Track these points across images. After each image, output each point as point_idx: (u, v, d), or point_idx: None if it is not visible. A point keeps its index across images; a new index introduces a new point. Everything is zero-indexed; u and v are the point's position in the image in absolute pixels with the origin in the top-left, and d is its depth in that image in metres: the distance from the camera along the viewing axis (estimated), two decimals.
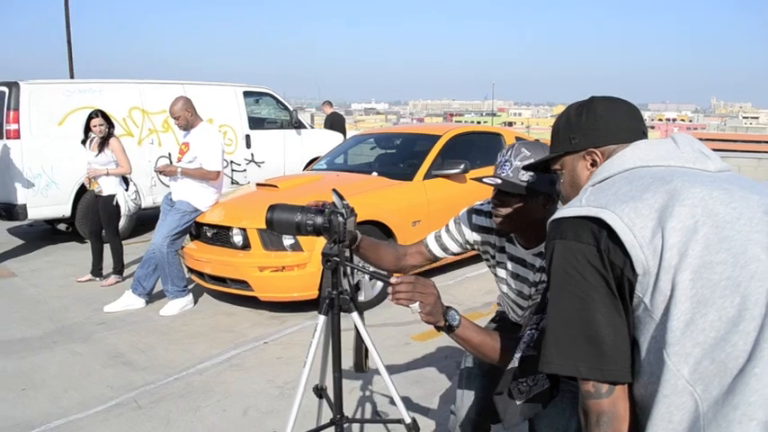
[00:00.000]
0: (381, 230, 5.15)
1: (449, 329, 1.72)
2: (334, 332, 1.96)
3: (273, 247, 4.73)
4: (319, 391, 2.24)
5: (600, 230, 1.15)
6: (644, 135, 1.37)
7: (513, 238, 2.03)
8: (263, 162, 9.06)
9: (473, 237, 2.12)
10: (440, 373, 3.93)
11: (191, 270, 5.26)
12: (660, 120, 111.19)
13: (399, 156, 6.48)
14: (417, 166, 5.73)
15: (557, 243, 1.21)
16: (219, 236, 5.02)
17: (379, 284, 5.19)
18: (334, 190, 1.91)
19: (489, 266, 2.19)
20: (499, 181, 1.82)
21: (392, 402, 2.32)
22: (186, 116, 4.97)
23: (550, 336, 1.21)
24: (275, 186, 5.47)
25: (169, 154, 7.95)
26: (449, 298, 5.43)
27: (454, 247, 2.16)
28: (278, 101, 9.55)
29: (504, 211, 1.88)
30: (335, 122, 11.40)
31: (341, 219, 1.81)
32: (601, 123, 1.36)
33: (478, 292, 5.57)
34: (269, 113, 9.64)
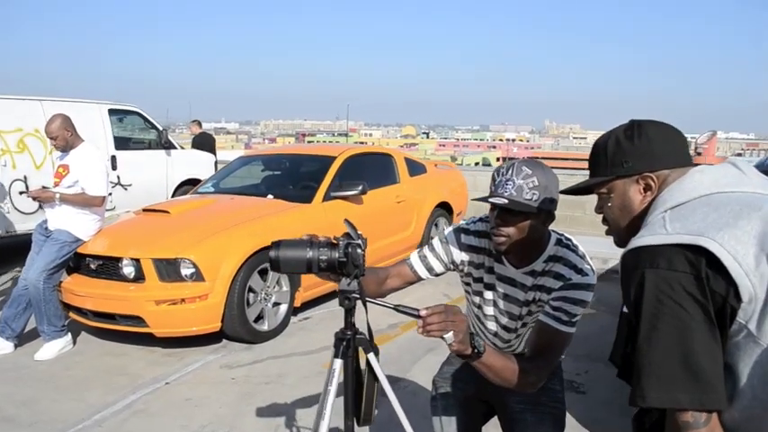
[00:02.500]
0: None
1: (477, 356, 1.63)
2: (347, 377, 1.77)
3: (171, 278, 4.35)
4: None
5: (697, 258, 1.15)
6: (691, 159, 1.38)
7: (503, 258, 1.98)
8: (129, 185, 8.39)
9: (461, 257, 2.04)
10: None
11: (68, 307, 4.69)
12: (501, 140, 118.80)
13: (292, 178, 6.27)
14: (315, 189, 5.56)
15: (647, 272, 1.18)
16: (106, 267, 4.54)
17: (282, 313, 4.96)
18: (347, 220, 1.74)
19: (469, 290, 2.12)
20: (506, 201, 1.76)
21: None
22: (65, 135, 4.47)
23: (645, 368, 1.18)
24: (166, 212, 5.06)
25: (24, 177, 7.13)
26: None
27: (439, 268, 2.08)
28: (145, 119, 8.94)
29: (507, 230, 1.83)
30: (205, 143, 10.87)
31: (359, 251, 1.64)
32: (655, 147, 1.36)
33: (381, 314, 5.45)
34: (136, 133, 9.00)
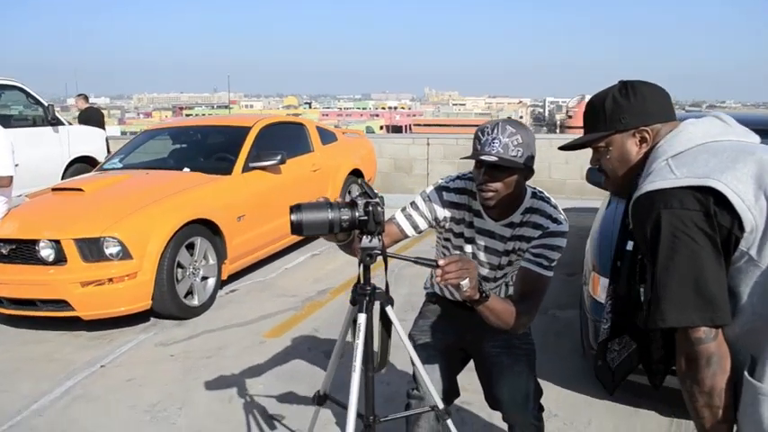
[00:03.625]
0: (209, 228, 4.83)
1: (485, 300, 1.76)
2: (368, 331, 1.81)
3: (95, 258, 4.15)
4: (323, 398, 2.07)
5: (706, 197, 1.32)
6: (675, 114, 1.57)
7: (482, 212, 2.10)
8: (16, 165, 7.80)
9: (444, 213, 2.14)
10: (311, 364, 3.86)
11: None
12: (383, 108, 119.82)
13: (206, 150, 6.08)
14: (233, 160, 5.45)
15: (663, 212, 1.34)
16: (20, 251, 4.26)
17: (211, 287, 4.89)
18: (363, 180, 1.77)
19: (448, 245, 2.22)
20: (496, 158, 1.87)
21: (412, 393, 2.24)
22: None
23: (664, 294, 1.35)
24: (80, 190, 4.80)
25: None
26: (279, 291, 5.33)
27: (423, 225, 2.16)
28: (28, 95, 8.30)
29: (495, 185, 1.95)
30: (92, 117, 10.26)
31: (380, 208, 1.68)
32: (649, 104, 1.52)
33: (306, 282, 5.53)
34: (18, 110, 8.35)
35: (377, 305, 1.86)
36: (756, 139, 1.48)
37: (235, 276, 5.43)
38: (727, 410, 1.37)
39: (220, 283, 5.07)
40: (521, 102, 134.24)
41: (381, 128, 66.76)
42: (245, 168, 5.46)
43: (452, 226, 2.17)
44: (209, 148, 6.11)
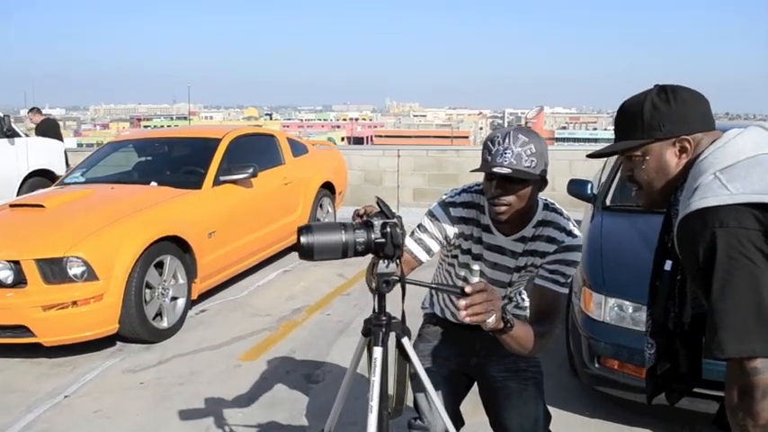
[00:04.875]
0: (179, 246, 4.60)
1: (509, 329, 1.63)
2: (384, 365, 1.63)
3: (58, 280, 3.88)
4: None
5: (765, 215, 1.21)
6: (714, 122, 1.44)
7: (491, 227, 1.97)
8: None
9: (453, 231, 2.00)
10: (292, 389, 3.66)
11: None
12: (344, 119, 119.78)
13: (174, 163, 5.82)
14: (203, 173, 5.23)
15: (718, 231, 1.22)
16: None
17: (180, 307, 4.64)
18: (379, 198, 1.59)
19: (454, 263, 2.08)
20: (509, 170, 1.74)
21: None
22: None
23: (722, 321, 1.22)
24: (40, 206, 4.51)
25: None
26: (251, 310, 5.12)
27: (435, 247, 2.01)
28: None
29: (507, 199, 1.82)
30: (49, 130, 9.87)
31: (399, 230, 1.51)
32: (690, 111, 1.39)
33: (280, 300, 5.33)
34: None
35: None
36: None
37: (204, 295, 5.20)
38: None
39: (190, 304, 4.84)
40: (481, 113, 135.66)
41: (343, 139, 66.71)
42: (216, 182, 5.24)
43: (461, 242, 2.03)
44: (177, 161, 5.85)
